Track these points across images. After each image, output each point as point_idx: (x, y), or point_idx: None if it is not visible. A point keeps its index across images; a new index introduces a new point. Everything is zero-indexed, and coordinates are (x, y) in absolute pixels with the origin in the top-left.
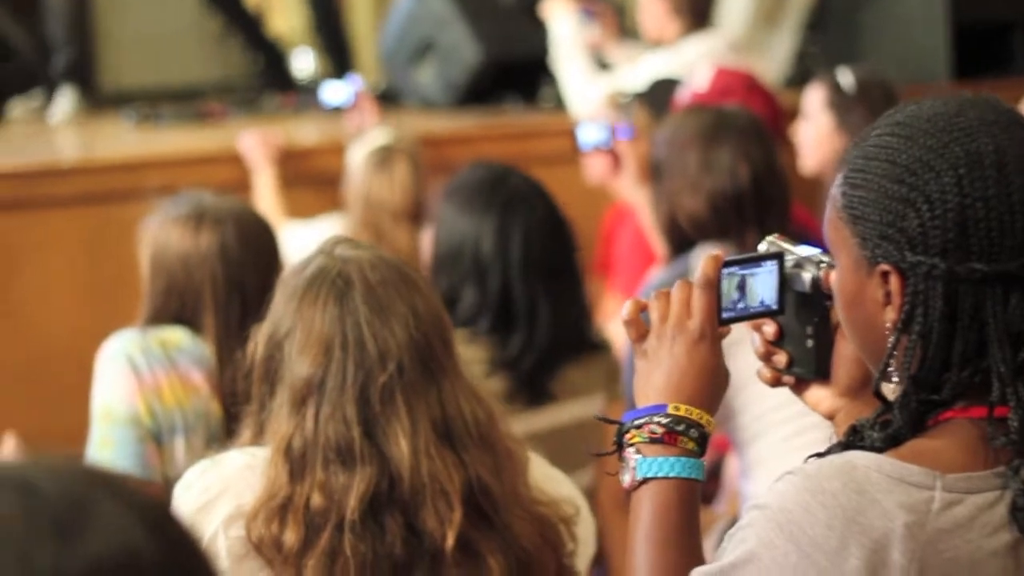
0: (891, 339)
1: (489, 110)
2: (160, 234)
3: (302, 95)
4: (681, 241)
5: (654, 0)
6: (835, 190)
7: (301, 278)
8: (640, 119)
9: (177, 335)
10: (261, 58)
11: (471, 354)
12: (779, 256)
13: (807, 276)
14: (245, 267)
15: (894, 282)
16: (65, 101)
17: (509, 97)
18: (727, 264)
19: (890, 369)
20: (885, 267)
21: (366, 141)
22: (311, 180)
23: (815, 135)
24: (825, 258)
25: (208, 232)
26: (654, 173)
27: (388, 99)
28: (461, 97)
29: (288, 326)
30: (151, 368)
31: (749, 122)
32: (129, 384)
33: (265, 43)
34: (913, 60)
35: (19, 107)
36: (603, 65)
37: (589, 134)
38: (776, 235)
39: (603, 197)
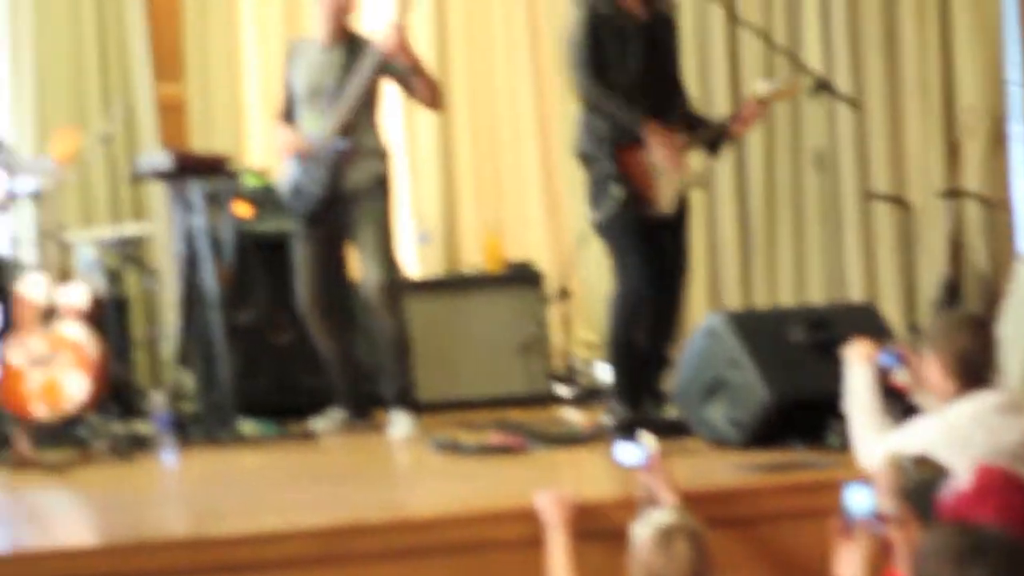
0: None
1: (776, 452)
2: None
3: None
4: None
5: (932, 359)
6: None
7: None
8: (905, 511)
9: None
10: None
11: None
12: None
13: None
14: None
15: None
16: (404, 423)
17: (795, 438)
18: None
19: None
20: None
21: (650, 519)
22: (601, 536)
23: None
24: None
25: None
26: None
27: (679, 432)
28: (749, 437)
29: None
30: None
31: (1006, 550)
32: None
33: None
34: None
35: (323, 421)
36: (908, 410)
37: (859, 501)
38: None
39: None
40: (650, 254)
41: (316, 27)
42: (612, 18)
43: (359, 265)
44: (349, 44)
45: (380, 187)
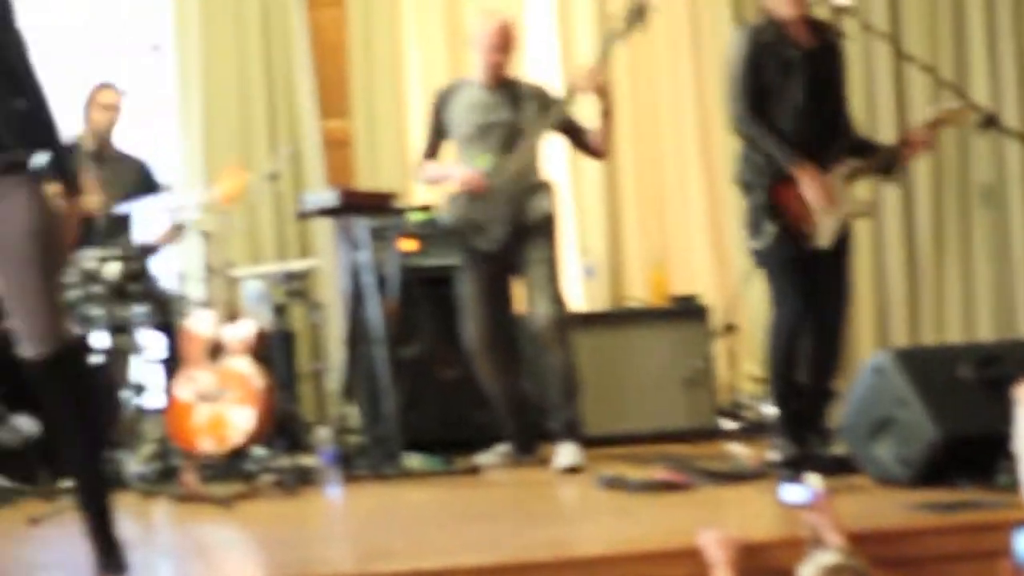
0: None
1: (944, 491)
2: None
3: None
4: None
5: None
6: None
7: None
8: None
9: None
10: None
11: None
12: None
13: None
14: None
15: None
16: (571, 453)
17: (964, 477)
18: None
19: None
20: None
21: (815, 560)
22: (764, 574)
23: None
24: None
25: None
26: None
27: (845, 469)
28: (917, 476)
29: None
30: None
31: None
32: None
33: None
34: None
35: (488, 456)
36: None
37: None
38: None
39: None
40: (806, 286)
41: (476, 68)
42: (775, 47)
43: (527, 299)
44: (511, 85)
45: (549, 222)
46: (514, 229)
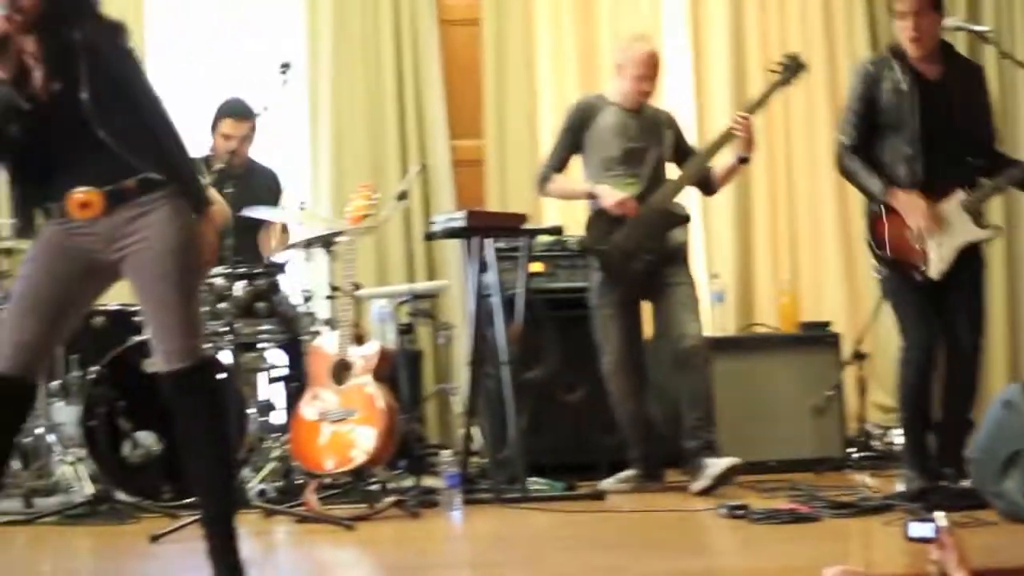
0: None
1: None
2: None
3: None
4: None
5: None
6: None
7: None
8: None
9: None
10: None
11: None
12: None
13: None
14: None
15: None
16: (710, 474)
17: None
18: None
19: None
20: None
21: None
22: None
23: None
24: None
25: None
26: None
27: (973, 503)
28: None
29: None
30: None
31: None
32: None
33: None
34: None
35: (612, 480)
36: None
37: None
38: None
39: None
40: (929, 316)
41: (618, 90)
42: (893, 79)
43: (670, 322)
44: (651, 111)
45: (684, 250)
46: (655, 257)
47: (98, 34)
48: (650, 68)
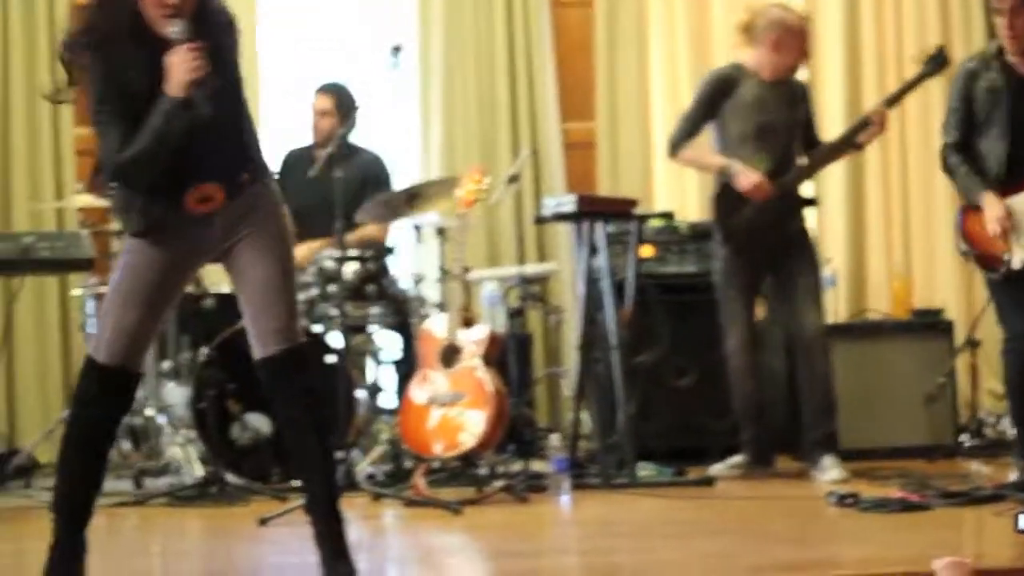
0: None
1: None
2: None
3: None
4: None
5: None
6: None
7: None
8: None
9: None
10: None
11: None
12: None
13: None
14: None
15: None
16: (835, 468)
17: None
18: None
19: None
20: None
21: None
22: None
23: None
24: None
25: None
26: None
27: None
28: None
29: None
30: None
31: None
32: None
33: None
34: None
35: (722, 466)
36: None
37: None
38: None
39: None
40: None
41: (759, 62)
42: (990, 76)
43: (791, 310)
44: (790, 82)
45: (807, 236)
46: (779, 240)
47: (222, 29)
48: (804, 42)
